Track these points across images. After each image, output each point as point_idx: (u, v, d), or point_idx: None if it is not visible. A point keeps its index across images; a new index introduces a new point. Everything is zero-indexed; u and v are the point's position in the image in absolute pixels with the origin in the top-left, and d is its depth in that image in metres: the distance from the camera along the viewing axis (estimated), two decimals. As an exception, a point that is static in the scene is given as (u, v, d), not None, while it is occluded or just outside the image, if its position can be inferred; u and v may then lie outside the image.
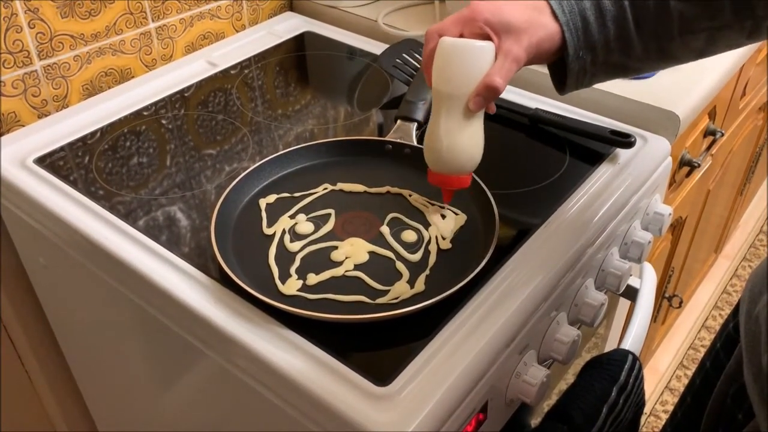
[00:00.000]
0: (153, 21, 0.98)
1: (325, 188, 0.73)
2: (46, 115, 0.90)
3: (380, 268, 0.64)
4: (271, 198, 0.72)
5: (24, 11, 0.83)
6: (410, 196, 0.72)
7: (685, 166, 1.06)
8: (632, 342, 0.77)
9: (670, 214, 0.82)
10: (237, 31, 1.11)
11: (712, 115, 1.11)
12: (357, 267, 0.64)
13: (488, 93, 0.57)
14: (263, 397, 0.58)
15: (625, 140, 0.79)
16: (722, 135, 1.14)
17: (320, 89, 0.96)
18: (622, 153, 0.80)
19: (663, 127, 0.85)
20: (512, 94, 0.91)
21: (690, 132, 1.03)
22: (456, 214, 0.70)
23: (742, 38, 0.56)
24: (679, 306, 1.44)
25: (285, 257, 0.65)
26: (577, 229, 0.69)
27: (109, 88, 0.96)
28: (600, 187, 0.75)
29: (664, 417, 1.59)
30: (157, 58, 1.01)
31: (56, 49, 0.89)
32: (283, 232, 0.68)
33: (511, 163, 0.81)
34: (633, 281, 0.84)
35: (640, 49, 0.57)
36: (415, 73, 0.91)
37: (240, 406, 0.64)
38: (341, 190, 0.73)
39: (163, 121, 0.88)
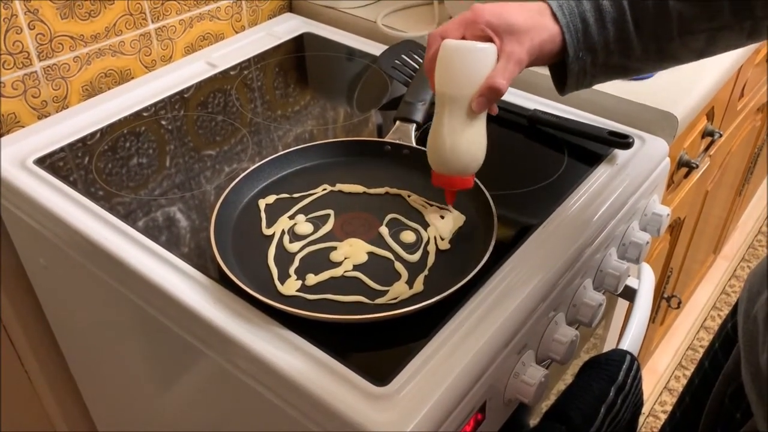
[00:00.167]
0: (152, 22, 0.98)
1: (324, 189, 0.74)
2: (46, 116, 0.91)
3: (379, 268, 0.64)
4: (271, 199, 0.72)
5: (24, 12, 0.84)
6: (409, 196, 0.72)
7: (683, 167, 1.06)
8: (630, 342, 0.77)
9: (668, 214, 0.82)
10: (236, 32, 1.11)
11: (710, 116, 1.11)
12: (356, 267, 0.64)
13: (491, 94, 0.58)
14: (262, 397, 0.59)
15: (623, 141, 0.79)
16: (720, 136, 1.14)
17: (319, 90, 0.96)
18: (621, 154, 0.80)
19: (661, 128, 0.86)
20: (511, 95, 0.91)
21: (688, 133, 1.03)
22: (454, 214, 0.70)
23: (741, 39, 0.56)
24: (678, 306, 1.44)
25: (284, 258, 0.65)
26: (576, 230, 0.69)
27: (109, 89, 0.96)
28: (598, 188, 0.75)
29: (663, 417, 1.59)
30: (157, 59, 1.01)
31: (56, 50, 0.89)
32: (283, 232, 0.68)
33: (509, 163, 0.82)
34: (631, 282, 0.84)
35: (639, 50, 0.57)
36: (414, 74, 0.91)
37: (239, 406, 0.64)
38: (340, 191, 0.73)
39: (163, 122, 0.88)
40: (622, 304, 1.00)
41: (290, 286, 0.62)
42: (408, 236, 0.68)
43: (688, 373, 1.68)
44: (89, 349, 0.91)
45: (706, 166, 1.24)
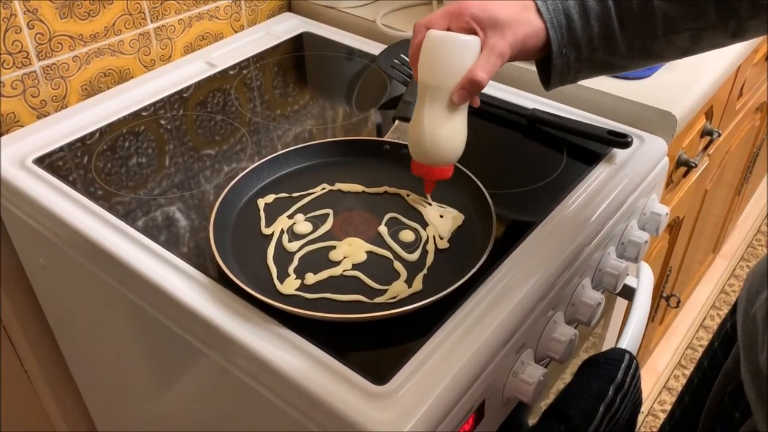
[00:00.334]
0: (152, 22, 0.98)
1: (324, 188, 0.74)
2: (45, 116, 0.91)
3: (378, 267, 0.64)
4: (270, 198, 0.72)
5: (23, 12, 0.84)
6: (408, 196, 0.73)
7: (682, 166, 1.06)
8: (629, 341, 0.78)
9: (666, 213, 0.82)
10: (235, 32, 1.11)
11: (709, 115, 1.11)
12: (355, 267, 0.64)
13: (471, 87, 0.58)
14: (262, 396, 0.59)
15: (622, 140, 0.79)
16: (719, 135, 1.14)
17: (319, 90, 0.96)
18: (619, 153, 0.80)
19: (660, 128, 0.86)
20: (510, 95, 0.91)
21: (687, 132, 1.03)
22: (453, 213, 0.70)
23: (726, 38, 0.56)
24: (677, 306, 1.44)
25: (283, 257, 0.65)
26: (574, 229, 0.69)
27: (108, 88, 0.96)
28: (597, 187, 0.75)
29: (663, 416, 1.59)
30: (156, 59, 1.01)
31: (55, 50, 0.89)
32: (282, 232, 0.68)
33: (508, 163, 0.82)
34: (630, 281, 0.84)
35: (624, 48, 0.57)
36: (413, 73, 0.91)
37: (239, 406, 0.65)
38: (339, 190, 0.74)
39: (162, 122, 0.88)
40: (621, 303, 1.00)
41: (289, 286, 0.62)
42: (407, 235, 0.68)
43: (688, 373, 1.69)
44: (89, 348, 0.91)
45: (705, 166, 1.24)
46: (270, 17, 1.16)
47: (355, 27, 1.11)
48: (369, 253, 0.66)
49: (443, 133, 0.61)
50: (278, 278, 0.63)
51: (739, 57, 1.03)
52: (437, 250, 0.66)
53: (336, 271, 0.64)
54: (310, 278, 0.63)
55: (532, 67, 0.64)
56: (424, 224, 0.69)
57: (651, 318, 1.39)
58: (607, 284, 0.76)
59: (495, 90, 0.92)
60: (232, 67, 1.00)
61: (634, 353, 0.75)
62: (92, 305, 0.80)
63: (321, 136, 0.85)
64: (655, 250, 1.20)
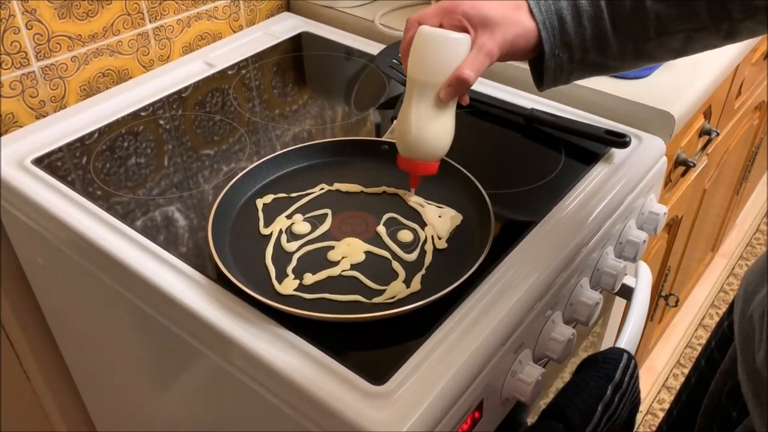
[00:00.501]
0: (150, 22, 0.98)
1: (322, 188, 0.74)
2: (43, 116, 0.91)
3: (377, 267, 0.64)
4: (268, 198, 0.72)
5: (21, 12, 0.84)
6: (406, 196, 0.73)
7: (680, 165, 1.06)
8: (627, 341, 0.78)
9: (665, 213, 0.83)
10: (234, 32, 1.11)
11: (707, 114, 1.11)
12: (353, 267, 0.64)
13: (458, 85, 0.58)
14: (260, 396, 0.59)
15: (620, 140, 0.79)
16: (717, 134, 1.14)
17: (317, 90, 0.96)
18: (618, 153, 0.80)
19: (658, 127, 0.86)
20: (508, 94, 0.91)
21: (685, 132, 1.03)
22: (451, 213, 0.70)
23: (718, 40, 0.56)
24: (676, 305, 1.44)
25: (282, 257, 0.65)
26: (573, 229, 0.69)
27: (107, 88, 0.96)
28: (595, 187, 0.75)
29: (661, 415, 1.59)
30: (155, 59, 1.01)
31: (54, 50, 0.89)
32: (280, 232, 0.68)
33: (506, 162, 0.82)
34: (628, 280, 0.85)
35: (616, 49, 0.57)
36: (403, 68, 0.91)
37: (237, 405, 0.65)
38: (338, 190, 0.74)
39: (161, 122, 0.88)
40: (619, 302, 1.01)
41: (288, 286, 0.62)
42: (405, 235, 0.68)
43: (686, 372, 1.68)
44: (88, 349, 0.91)
45: (703, 165, 1.24)
46: (269, 17, 1.16)
47: (354, 27, 1.11)
48: (367, 253, 0.66)
49: (429, 129, 0.61)
50: (277, 278, 0.63)
51: (737, 56, 1.03)
52: (436, 250, 0.66)
53: (334, 271, 0.64)
54: (309, 278, 0.63)
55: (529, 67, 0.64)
56: (423, 224, 0.69)
57: (650, 317, 1.39)
58: (606, 284, 0.76)
59: (493, 90, 0.92)
60: (231, 67, 1.00)
61: (633, 353, 0.75)
62: (91, 305, 0.80)
63: (320, 136, 0.85)
64: (653, 249, 1.20)
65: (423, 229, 0.69)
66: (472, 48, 0.58)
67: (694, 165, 1.07)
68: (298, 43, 1.08)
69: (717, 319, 1.82)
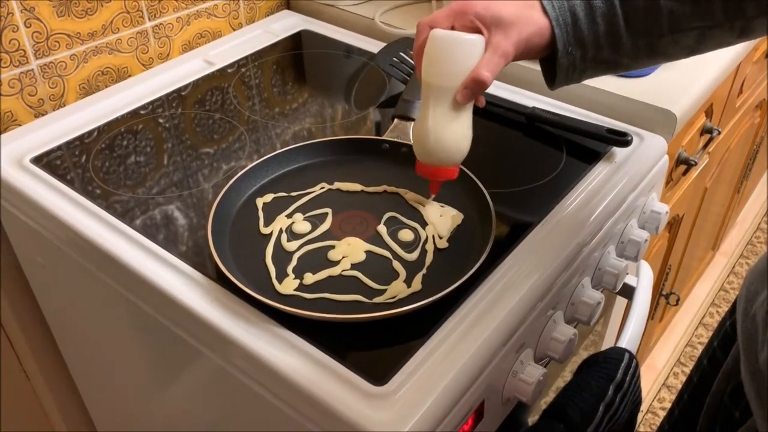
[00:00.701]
0: (149, 20, 0.98)
1: (322, 187, 0.73)
2: (42, 115, 0.90)
3: (377, 267, 0.64)
4: (268, 197, 0.72)
5: (20, 10, 0.83)
6: (407, 194, 0.72)
7: (682, 164, 1.06)
8: (629, 340, 0.77)
9: (666, 212, 0.82)
10: (234, 30, 1.11)
11: (708, 113, 1.11)
12: (354, 266, 0.64)
13: (475, 86, 0.58)
14: (260, 397, 0.58)
15: (621, 139, 0.79)
16: (719, 133, 1.14)
17: (317, 88, 0.96)
18: (619, 151, 0.80)
19: (660, 126, 0.85)
20: (509, 93, 0.91)
21: (687, 130, 1.03)
22: (452, 212, 0.70)
23: (732, 38, 0.56)
24: (677, 304, 1.44)
25: (282, 257, 0.65)
26: (574, 228, 0.69)
27: (106, 87, 0.96)
28: (597, 186, 0.75)
29: (662, 414, 1.59)
30: (154, 57, 1.01)
31: (53, 48, 0.89)
32: (280, 231, 0.68)
33: (508, 161, 0.81)
34: (630, 279, 0.84)
35: (629, 46, 0.57)
36: (412, 71, 0.90)
37: (237, 406, 0.64)
38: (338, 190, 0.73)
39: (160, 120, 0.87)
40: (620, 301, 1.00)
41: (288, 285, 0.62)
42: (406, 235, 0.67)
43: (687, 370, 1.69)
44: (87, 348, 0.91)
45: (704, 164, 1.24)
46: (268, 15, 1.15)
47: (354, 25, 1.11)
48: (368, 252, 0.66)
49: (448, 133, 0.61)
50: (277, 278, 0.63)
51: (739, 55, 1.02)
52: (436, 250, 0.66)
53: (335, 270, 0.63)
54: (309, 278, 0.62)
55: (531, 65, 0.63)
56: (424, 223, 0.69)
57: (650, 316, 1.39)
58: (607, 283, 0.76)
59: (494, 88, 0.92)
60: (231, 66, 0.99)
61: (634, 352, 0.75)
62: (90, 305, 0.80)
63: (320, 134, 0.85)
64: (654, 248, 1.20)
65: (424, 228, 0.68)
66: (486, 49, 0.57)
67: (696, 164, 1.07)
68: (298, 41, 1.07)
69: (717, 317, 1.83)
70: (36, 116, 0.90)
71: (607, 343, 1.05)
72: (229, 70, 0.98)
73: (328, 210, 0.70)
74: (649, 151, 0.81)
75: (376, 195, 0.73)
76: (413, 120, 0.80)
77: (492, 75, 0.57)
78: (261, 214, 0.70)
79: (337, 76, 1.00)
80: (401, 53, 0.93)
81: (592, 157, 0.79)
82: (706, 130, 1.12)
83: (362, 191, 0.73)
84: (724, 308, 1.86)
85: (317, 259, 0.65)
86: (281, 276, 0.63)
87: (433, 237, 0.67)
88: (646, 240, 0.78)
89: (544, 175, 0.77)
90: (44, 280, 0.88)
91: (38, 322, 0.97)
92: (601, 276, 0.75)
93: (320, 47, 1.06)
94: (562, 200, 0.72)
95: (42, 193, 0.75)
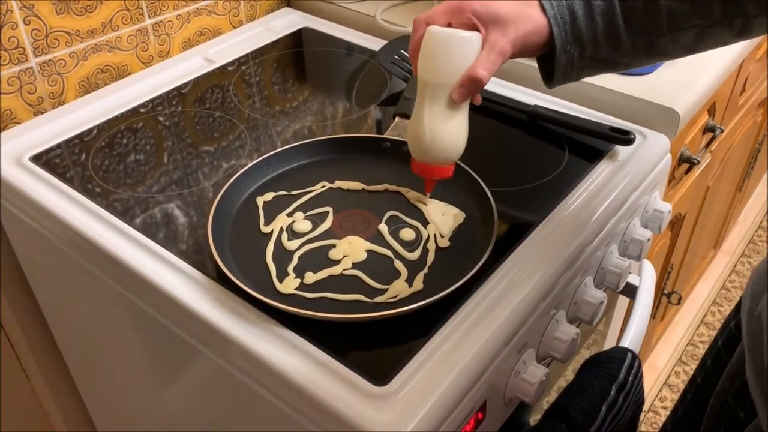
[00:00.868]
0: (149, 17, 0.98)
1: (323, 186, 0.73)
2: (42, 113, 0.90)
3: (378, 266, 0.64)
4: (269, 196, 0.71)
5: (19, 8, 0.83)
6: (408, 193, 0.72)
7: (684, 162, 1.05)
8: (631, 340, 0.77)
9: (669, 211, 0.82)
10: (234, 28, 1.10)
11: (711, 111, 1.11)
12: (355, 265, 0.64)
13: (472, 84, 0.57)
14: (261, 397, 0.58)
15: (624, 137, 0.79)
16: (722, 131, 1.14)
17: (318, 86, 0.96)
18: (622, 150, 0.80)
19: (662, 124, 0.85)
20: (511, 91, 0.91)
21: (689, 128, 1.03)
22: (454, 211, 0.69)
23: (731, 36, 0.56)
24: (678, 303, 1.43)
25: (282, 256, 0.65)
26: (577, 227, 0.69)
27: (106, 84, 0.95)
28: (599, 185, 0.74)
29: (663, 413, 1.59)
30: (154, 55, 1.01)
31: (52, 46, 0.88)
32: (281, 230, 0.67)
33: (509, 160, 0.81)
34: (632, 279, 0.84)
35: (628, 44, 0.57)
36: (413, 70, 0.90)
37: (237, 406, 0.64)
38: (339, 188, 0.73)
39: (160, 118, 0.87)
40: (623, 300, 1.00)
41: (289, 285, 0.61)
42: (407, 234, 0.67)
43: (688, 369, 1.68)
44: (87, 347, 0.91)
45: (707, 162, 1.23)
46: (269, 13, 1.15)
47: (355, 22, 1.10)
48: (369, 251, 0.65)
49: (443, 131, 0.60)
50: (277, 277, 0.62)
51: (742, 53, 1.02)
52: (438, 249, 0.66)
53: (336, 270, 0.63)
54: (310, 277, 0.62)
55: (533, 63, 0.63)
56: (425, 222, 0.68)
57: (652, 315, 1.39)
58: (610, 282, 0.75)
59: (496, 86, 0.91)
60: (231, 63, 0.99)
61: (637, 352, 0.75)
62: (90, 304, 0.79)
63: (320, 132, 0.84)
64: (656, 247, 1.19)
65: (425, 227, 0.68)
66: (483, 46, 0.57)
67: (698, 162, 1.06)
68: (298, 38, 1.07)
69: (719, 316, 1.82)
70: (35, 114, 0.89)
71: (609, 343, 1.05)
72: (230, 68, 0.98)
73: (329, 209, 0.70)
74: (651, 150, 0.81)
75: (377, 194, 0.72)
76: (414, 118, 0.79)
77: (488, 73, 0.57)
78: (261, 212, 0.69)
79: (338, 74, 1.00)
80: (402, 51, 0.93)
81: (594, 156, 0.79)
82: (708, 129, 1.12)
83: (363, 190, 0.73)
84: (726, 307, 1.86)
85: (318, 258, 0.64)
86: (282, 275, 0.62)
87: (435, 236, 0.67)
88: (648, 239, 0.78)
89: (547, 173, 0.76)
90: (44, 279, 0.87)
91: (38, 322, 0.96)
92: (604, 275, 0.75)
93: (321, 45, 1.05)
94: (565, 199, 0.72)
95: (41, 192, 0.74)
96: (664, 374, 1.67)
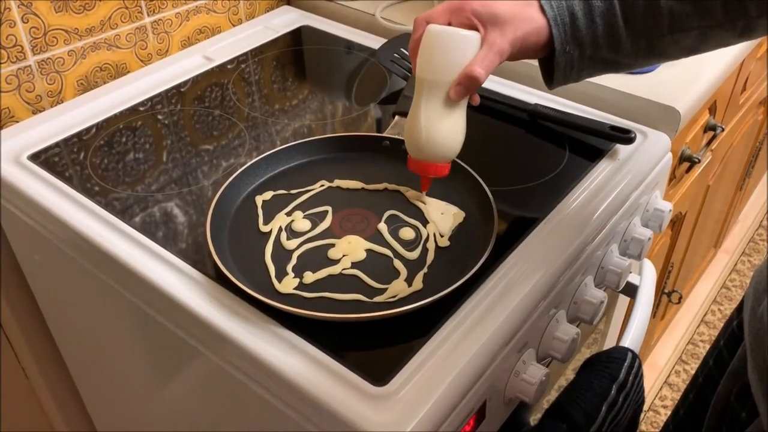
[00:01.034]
0: (148, 15, 0.97)
1: (322, 185, 0.73)
2: (40, 111, 0.90)
3: (378, 266, 0.63)
4: (268, 195, 0.71)
5: (17, 6, 0.82)
6: (408, 192, 0.72)
7: (685, 161, 1.05)
8: (632, 339, 0.77)
9: (670, 210, 0.82)
10: (233, 26, 1.10)
11: (712, 110, 1.10)
12: (354, 265, 0.63)
13: (469, 83, 0.57)
14: (260, 397, 0.58)
15: (625, 136, 0.78)
16: (722, 130, 1.13)
17: (317, 84, 0.95)
18: (622, 149, 0.79)
19: (663, 123, 0.85)
20: (511, 89, 0.90)
21: (690, 127, 1.02)
22: (454, 210, 0.69)
23: (733, 37, 0.55)
24: (679, 302, 1.43)
25: (281, 255, 0.64)
26: (577, 226, 0.68)
27: (104, 83, 0.95)
28: (600, 184, 0.74)
29: (663, 412, 1.59)
30: (153, 53, 1.00)
31: (50, 44, 0.88)
32: (280, 229, 0.67)
33: (510, 159, 0.81)
34: (633, 278, 0.84)
35: (629, 46, 0.57)
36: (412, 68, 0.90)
37: (237, 406, 0.64)
38: (338, 187, 0.73)
39: (159, 117, 0.87)
40: (623, 300, 1.00)
41: (288, 284, 0.61)
42: (407, 233, 0.67)
43: (689, 368, 1.68)
44: (87, 347, 0.90)
45: (707, 161, 1.23)
46: (268, 11, 1.15)
47: (355, 21, 1.10)
48: (368, 251, 0.65)
49: (440, 129, 0.60)
50: (276, 277, 0.62)
51: (743, 52, 1.02)
52: (438, 248, 0.65)
53: (335, 269, 0.63)
54: (309, 277, 0.62)
55: (533, 62, 0.63)
56: (425, 222, 0.68)
57: (652, 314, 1.39)
58: (610, 282, 0.75)
59: (496, 85, 0.91)
60: (230, 62, 0.99)
61: (637, 351, 0.75)
62: (89, 303, 0.79)
63: (320, 131, 0.84)
64: (657, 245, 1.19)
65: (425, 226, 0.68)
66: (482, 45, 0.57)
67: (699, 161, 1.06)
68: (298, 37, 1.07)
69: (719, 315, 1.82)
70: (34, 113, 0.89)
71: (609, 342, 1.05)
72: (229, 67, 0.98)
73: (328, 208, 0.70)
74: (652, 149, 0.80)
75: (377, 193, 0.72)
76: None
77: (486, 72, 0.56)
78: (260, 211, 0.69)
79: (338, 73, 0.99)
80: (402, 49, 0.92)
81: (595, 155, 0.78)
82: (709, 128, 1.11)
83: (363, 189, 0.72)
84: (727, 306, 1.86)
85: (317, 258, 0.64)
86: (281, 275, 0.62)
87: (435, 235, 0.66)
88: (649, 238, 0.78)
89: (547, 172, 0.76)
90: (43, 278, 0.87)
91: (37, 321, 0.96)
92: (604, 275, 0.75)
93: (320, 43, 1.05)
94: (565, 198, 0.72)
95: (40, 191, 0.74)
96: (664, 373, 1.67)
